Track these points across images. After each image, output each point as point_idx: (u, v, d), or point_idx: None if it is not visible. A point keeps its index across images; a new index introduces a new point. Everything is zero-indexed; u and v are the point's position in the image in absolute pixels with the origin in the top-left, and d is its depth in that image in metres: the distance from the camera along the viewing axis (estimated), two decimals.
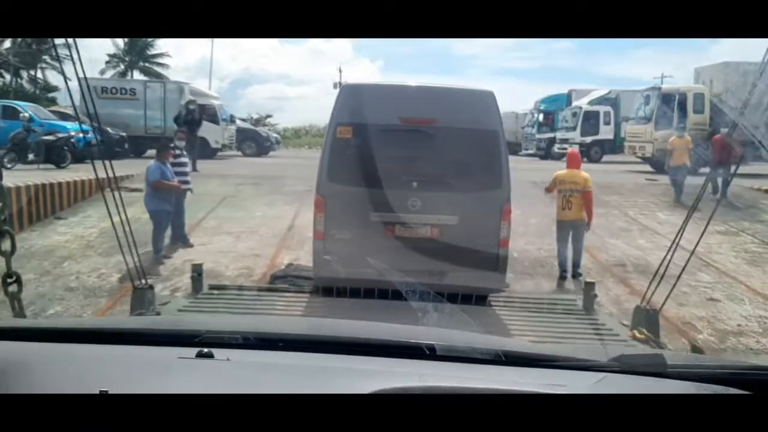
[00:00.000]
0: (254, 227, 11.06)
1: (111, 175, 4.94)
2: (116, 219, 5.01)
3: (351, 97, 6.74)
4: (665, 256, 5.39)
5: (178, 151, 10.06)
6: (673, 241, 5.37)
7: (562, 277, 8.84)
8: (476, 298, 6.05)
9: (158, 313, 5.46)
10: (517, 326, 5.51)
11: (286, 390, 1.28)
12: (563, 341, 5.05)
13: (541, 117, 36.45)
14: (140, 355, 1.64)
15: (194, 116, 18.19)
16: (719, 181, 13.20)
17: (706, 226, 5.53)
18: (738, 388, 1.47)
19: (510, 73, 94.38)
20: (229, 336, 1.76)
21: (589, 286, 6.87)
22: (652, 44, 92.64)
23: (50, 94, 42.17)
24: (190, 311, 5.81)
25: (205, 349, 1.55)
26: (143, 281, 5.69)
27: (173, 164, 9.79)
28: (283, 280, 7.98)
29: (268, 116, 55.70)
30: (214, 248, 9.77)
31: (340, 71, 49.79)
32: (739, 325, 7.36)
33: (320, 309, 6.33)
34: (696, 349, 6.32)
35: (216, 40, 74.95)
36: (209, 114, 25.69)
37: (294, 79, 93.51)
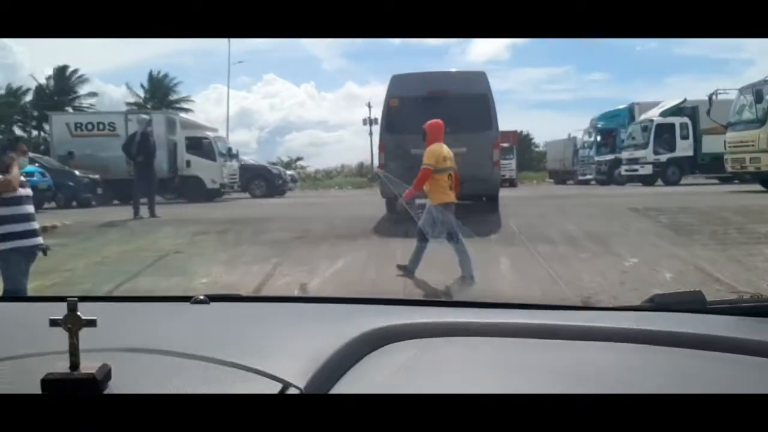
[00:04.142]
0: None
1: None
2: None
3: (397, 81, 11.60)
4: None
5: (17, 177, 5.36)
6: None
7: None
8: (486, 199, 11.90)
9: None
10: None
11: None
12: None
13: (599, 137, 31.42)
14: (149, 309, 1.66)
15: (150, 143, 13.55)
16: None
17: None
18: None
19: (545, 106, 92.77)
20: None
21: None
22: (685, 70, 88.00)
23: None
24: None
25: (201, 296, 1.56)
26: None
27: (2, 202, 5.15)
28: None
29: (299, 158, 55.18)
30: None
31: (369, 107, 49.65)
32: None
33: None
34: None
35: (254, 92, 76.24)
36: (204, 148, 21.42)
37: (330, 124, 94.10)
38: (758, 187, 17.41)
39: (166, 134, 21.38)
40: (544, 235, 9.09)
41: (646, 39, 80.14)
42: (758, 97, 16.33)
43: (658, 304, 1.45)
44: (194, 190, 20.96)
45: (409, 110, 10.63)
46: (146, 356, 1.06)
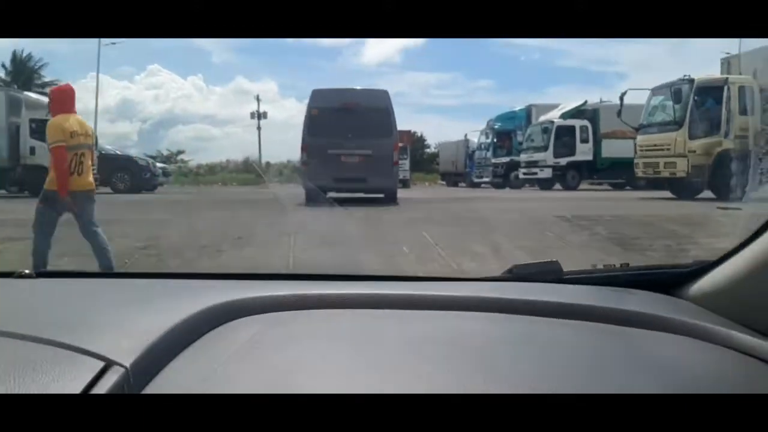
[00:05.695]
0: None
1: None
2: None
3: (317, 94, 14.39)
4: None
5: None
6: None
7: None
8: (386, 193, 14.06)
9: None
10: None
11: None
12: None
13: (495, 138, 30.25)
14: None
15: None
16: None
17: None
18: (639, 288, 1.35)
19: (434, 110, 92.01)
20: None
21: None
22: (564, 81, 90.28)
23: None
24: None
25: (26, 270, 1.40)
26: None
27: None
28: None
29: (180, 152, 50.97)
30: None
31: (258, 100, 49.56)
32: None
33: None
34: None
35: (137, 83, 73.46)
36: None
37: (219, 119, 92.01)
38: (666, 193, 16.43)
39: (6, 115, 18.13)
40: (469, 249, 7.08)
41: (531, 50, 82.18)
42: (677, 98, 15.21)
43: (517, 274, 1.43)
44: (40, 183, 17.57)
45: (327, 118, 13.59)
46: None
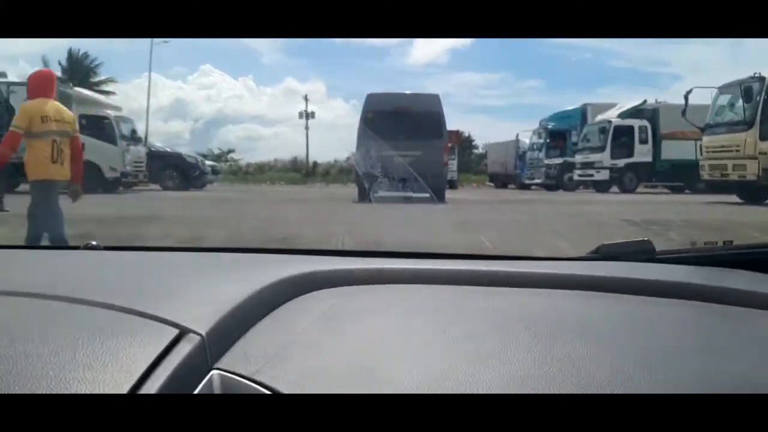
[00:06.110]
0: None
1: None
2: None
3: (372, 98, 15.47)
4: None
5: None
6: None
7: None
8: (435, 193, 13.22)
9: None
10: None
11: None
12: None
13: (548, 139, 29.34)
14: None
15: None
16: None
17: None
18: (740, 268, 1.20)
19: (481, 111, 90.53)
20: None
21: None
22: (616, 82, 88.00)
23: None
24: None
25: (93, 242, 1.43)
26: None
27: None
28: None
29: (230, 151, 51.99)
30: None
31: (306, 99, 48.78)
32: None
33: None
34: None
35: (190, 81, 73.97)
36: (102, 130, 18.17)
37: (268, 119, 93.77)
38: (731, 197, 15.52)
39: None
40: (529, 254, 6.55)
41: (582, 49, 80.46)
42: (747, 96, 14.32)
43: (605, 254, 1.33)
44: (89, 179, 17.58)
45: (381, 121, 14.30)
46: (26, 300, 0.88)
